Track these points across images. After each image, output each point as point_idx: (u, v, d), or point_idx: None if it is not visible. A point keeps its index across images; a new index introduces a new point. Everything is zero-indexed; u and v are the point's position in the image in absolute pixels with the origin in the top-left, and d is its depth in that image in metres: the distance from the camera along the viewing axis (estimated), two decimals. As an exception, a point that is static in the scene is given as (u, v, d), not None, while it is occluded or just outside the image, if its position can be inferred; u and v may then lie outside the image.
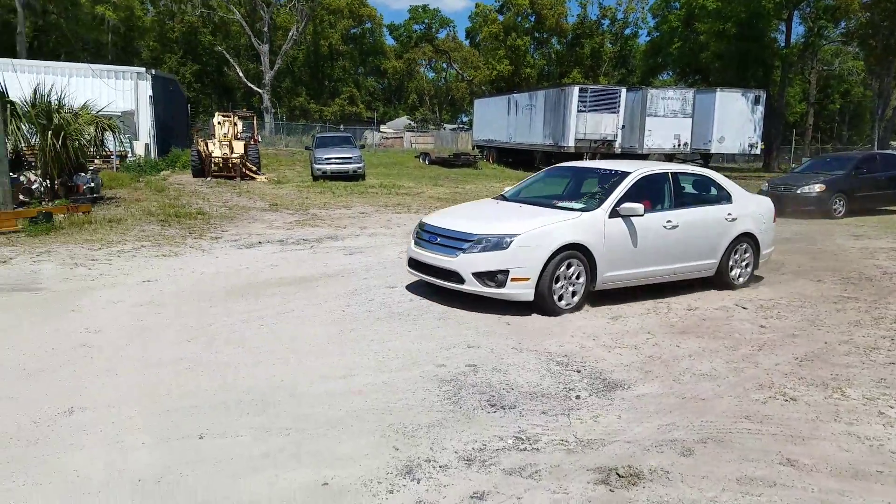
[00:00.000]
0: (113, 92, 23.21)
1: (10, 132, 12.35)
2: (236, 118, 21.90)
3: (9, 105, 12.49)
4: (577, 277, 6.49)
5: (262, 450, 3.66)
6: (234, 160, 20.35)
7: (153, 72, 25.82)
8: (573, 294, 6.50)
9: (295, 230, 11.45)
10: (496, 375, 4.80)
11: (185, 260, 8.62)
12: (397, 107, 66.19)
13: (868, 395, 4.61)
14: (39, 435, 3.72)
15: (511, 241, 6.19)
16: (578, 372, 4.93)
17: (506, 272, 6.16)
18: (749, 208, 7.84)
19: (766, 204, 8.25)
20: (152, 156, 24.39)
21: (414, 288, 7.24)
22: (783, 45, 38.30)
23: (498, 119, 32.27)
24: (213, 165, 20.24)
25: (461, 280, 6.30)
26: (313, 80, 60.56)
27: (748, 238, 7.75)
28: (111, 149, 19.51)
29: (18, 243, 9.31)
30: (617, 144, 25.55)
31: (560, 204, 7.09)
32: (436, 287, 6.82)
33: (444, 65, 65.50)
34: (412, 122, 55.20)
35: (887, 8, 32.52)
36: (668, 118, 26.04)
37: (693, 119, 26.18)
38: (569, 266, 6.38)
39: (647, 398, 4.49)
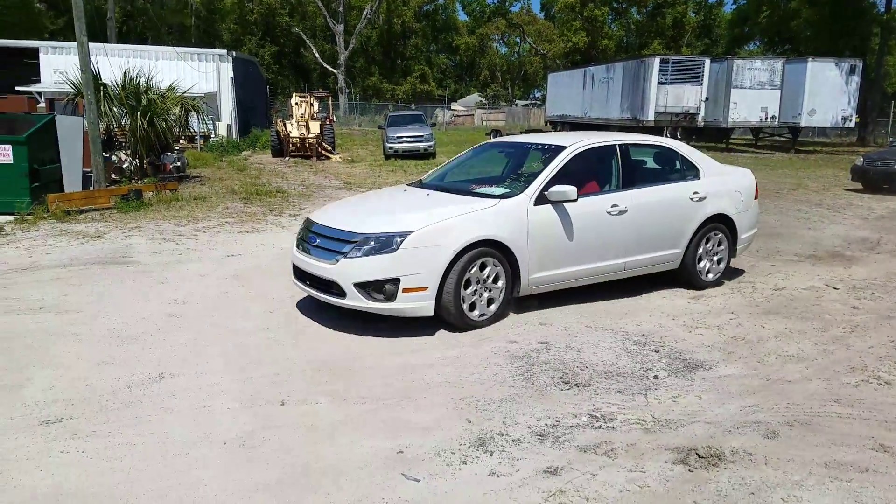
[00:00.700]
0: (196, 74, 24.10)
1: (102, 114, 13.01)
2: (313, 99, 22.36)
3: (102, 87, 13.14)
4: (495, 281, 5.22)
5: (340, 417, 3.76)
6: (311, 140, 20.81)
7: (234, 54, 26.64)
8: (489, 302, 5.23)
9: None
10: (569, 353, 4.74)
11: (266, 236, 8.90)
12: (468, 84, 65.77)
13: (976, 382, 4.28)
14: (133, 398, 3.95)
15: (401, 241, 4.83)
16: (657, 352, 4.80)
17: (395, 281, 4.80)
18: (723, 185, 6.49)
19: (745, 178, 6.85)
20: (234, 136, 25.24)
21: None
22: (882, 10, 35.61)
23: (572, 93, 31.58)
24: (290, 145, 20.77)
25: (342, 293, 4.92)
26: (386, 60, 60.94)
27: (721, 221, 6.42)
28: (195, 129, 20.35)
29: (111, 219, 9.85)
30: (700, 118, 24.56)
31: (478, 190, 5.75)
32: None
33: (518, 39, 64.48)
34: (483, 99, 54.80)
35: None
36: (754, 90, 24.80)
37: (782, 91, 24.83)
38: (482, 267, 5.12)
39: (730, 379, 4.33)
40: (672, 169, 6.53)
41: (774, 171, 17.82)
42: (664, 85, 24.05)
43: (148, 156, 14.07)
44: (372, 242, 4.89)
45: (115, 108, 13.66)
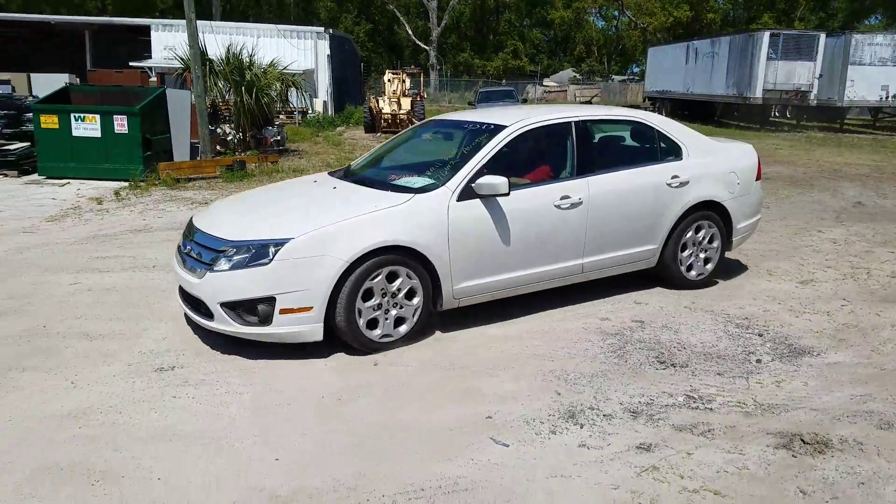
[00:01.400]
0: (295, 51, 24.80)
1: (208, 88, 13.65)
2: (405, 75, 22.57)
3: (208, 62, 13.77)
4: (409, 296, 4.28)
5: (428, 381, 3.82)
6: (402, 116, 21.05)
7: (331, 31, 27.18)
8: (398, 321, 4.27)
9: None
10: (666, 333, 4.60)
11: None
12: (562, 59, 64.31)
13: None
14: (238, 350, 4.16)
15: (276, 252, 3.90)
16: (760, 336, 4.58)
17: (271, 300, 3.91)
18: (712, 166, 5.43)
19: (743, 156, 5.76)
20: (329, 112, 25.88)
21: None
22: None
23: (674, 68, 30.28)
24: (382, 121, 21.09)
25: (209, 314, 4.05)
26: (478, 35, 60.51)
27: (711, 209, 5.40)
28: (294, 105, 21.02)
29: (217, 187, 10.37)
30: (812, 95, 22.97)
31: (397, 181, 4.76)
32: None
33: (616, 13, 62.32)
34: (577, 75, 53.44)
35: None
36: (874, 67, 22.88)
37: (906, 67, 22.79)
38: (391, 278, 4.19)
39: (840, 367, 4.07)
40: (645, 148, 5.44)
41: (895, 154, 16.46)
42: (774, 60, 22.61)
43: (250, 129, 14.67)
44: (242, 252, 3.96)
45: (220, 84, 14.29)
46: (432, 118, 6.07)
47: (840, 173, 12.71)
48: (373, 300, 4.12)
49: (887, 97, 23.24)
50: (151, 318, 4.72)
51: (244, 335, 4.03)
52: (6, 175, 10.76)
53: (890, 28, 37.64)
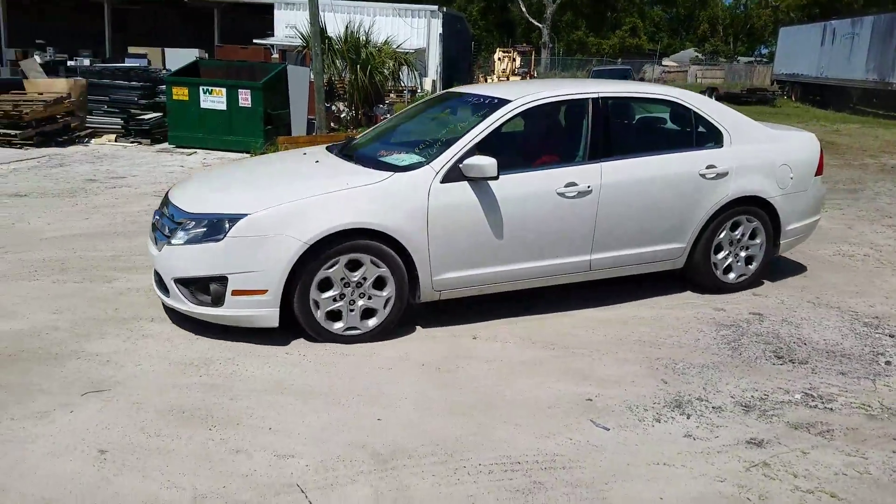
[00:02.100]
0: (409, 30, 25.11)
1: (326, 66, 14.10)
2: (515, 53, 22.37)
3: (327, 40, 14.21)
4: (378, 286, 3.86)
5: (528, 358, 3.81)
6: (511, 94, 20.84)
7: (444, 10, 27.29)
8: (366, 313, 3.88)
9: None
10: (785, 327, 4.33)
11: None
12: (684, 38, 61.32)
13: None
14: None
15: (231, 227, 3.63)
16: (891, 336, 4.22)
17: (223, 280, 3.65)
18: (761, 157, 4.73)
19: (801, 147, 5.03)
20: (438, 91, 26.10)
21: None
22: None
23: (807, 50, 28.14)
24: (491, 99, 20.97)
25: (165, 289, 3.88)
26: (594, 13, 58.68)
27: (754, 206, 4.72)
28: (404, 83, 21.34)
29: (330, 161, 10.74)
30: (967, 81, 20.71)
31: (385, 158, 4.33)
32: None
33: (745, -10, 58.60)
34: (699, 55, 50.80)
35: None
36: None
37: None
38: (354, 267, 3.78)
39: None
40: (677, 132, 4.86)
41: None
42: (924, 42, 20.53)
43: (363, 107, 15.05)
44: (199, 226, 3.72)
45: (337, 62, 14.73)
46: (447, 90, 5.53)
47: None
48: (332, 291, 3.76)
49: None
50: (267, 280, 4.96)
51: (196, 315, 3.81)
52: (140, 143, 11.62)
53: None
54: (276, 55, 21.53)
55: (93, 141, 11.59)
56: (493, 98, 4.41)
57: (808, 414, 3.26)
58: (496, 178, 3.90)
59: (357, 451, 2.84)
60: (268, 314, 3.70)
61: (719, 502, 2.58)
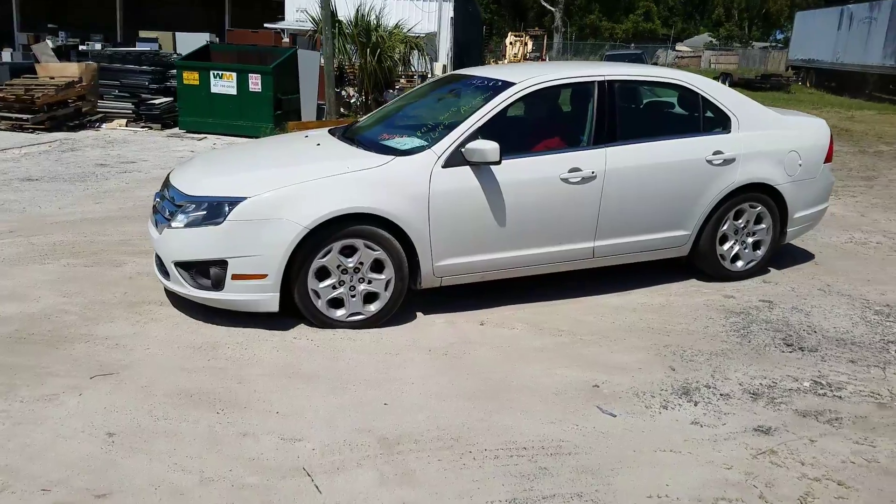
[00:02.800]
0: (420, 13, 24.90)
1: (337, 50, 14.03)
2: (527, 38, 22.17)
3: (338, 24, 14.13)
4: (377, 269, 3.84)
5: (536, 344, 3.80)
6: (523, 79, 20.69)
7: (456, -7, 27.07)
8: (368, 297, 3.87)
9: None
10: (795, 315, 4.29)
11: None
12: (698, 23, 60.57)
13: None
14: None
15: (231, 210, 3.60)
16: (902, 324, 4.18)
17: (222, 264, 3.64)
18: (770, 143, 4.64)
19: (810, 133, 4.94)
20: (449, 75, 25.93)
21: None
22: None
23: (824, 35, 27.74)
24: (502, 84, 20.83)
25: (166, 273, 3.88)
26: (608, -3, 58.12)
27: (762, 192, 4.65)
28: (415, 68, 21.22)
29: (340, 146, 10.72)
30: None
31: (387, 142, 4.30)
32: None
33: (762, -26, 57.70)
34: (714, 40, 50.22)
35: None
36: None
37: None
38: (349, 253, 3.75)
39: None
40: (685, 117, 4.74)
41: None
42: (944, 26, 20.16)
43: (372, 92, 14.98)
44: (199, 209, 3.69)
45: (348, 46, 14.64)
46: (452, 73, 5.52)
47: None
48: (330, 280, 3.75)
49: None
50: (275, 265, 4.97)
51: (196, 298, 3.79)
52: (150, 128, 11.65)
53: None
54: (286, 39, 21.45)
55: (104, 125, 11.63)
56: (498, 81, 4.31)
57: (817, 402, 3.23)
58: (498, 162, 3.84)
59: (363, 435, 2.85)
60: (268, 299, 3.69)
61: (726, 489, 2.57)
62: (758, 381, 3.43)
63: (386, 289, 3.86)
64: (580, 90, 4.44)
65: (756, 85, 26.46)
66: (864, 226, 6.51)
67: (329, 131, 4.88)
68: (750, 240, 4.81)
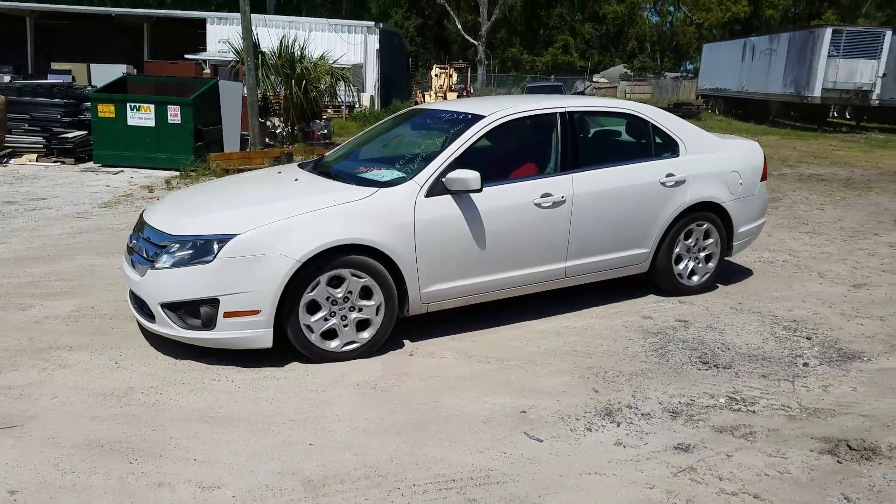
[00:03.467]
0: (345, 45, 25.02)
1: (260, 80, 13.89)
2: (452, 70, 22.60)
3: (260, 55, 14.01)
4: (365, 297, 3.88)
5: (465, 372, 3.81)
6: (449, 109, 21.00)
7: (381, 26, 27.34)
8: (360, 325, 3.92)
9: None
10: (710, 333, 4.48)
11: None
12: (614, 55, 63.31)
13: None
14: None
15: (220, 248, 3.58)
16: (808, 339, 4.42)
17: (214, 302, 3.60)
18: (713, 164, 5.05)
19: (746, 153, 5.38)
20: (376, 107, 26.05)
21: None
22: None
23: (729, 66, 29.49)
24: (429, 115, 21.06)
25: (151, 315, 3.78)
26: (528, 30, 59.97)
27: (710, 211, 5.04)
28: (342, 99, 21.22)
29: (265, 178, 10.55)
30: (874, 96, 22.07)
31: (365, 174, 4.44)
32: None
33: (671, 8, 60.99)
34: (629, 71, 52.58)
35: None
36: (943, 65, 21.84)
37: (982, 66, 21.66)
38: (336, 284, 3.77)
39: (892, 373, 3.90)
40: (638, 143, 5.08)
41: (964, 156, 15.68)
42: (835, 58, 21.79)
43: (298, 122, 14.88)
44: (185, 249, 3.65)
45: (271, 77, 14.52)
46: (416, 107, 5.73)
47: (902, 175, 12.17)
48: (322, 312, 3.77)
49: (956, 97, 22.15)
50: (196, 303, 4.81)
51: (186, 339, 3.73)
52: (63, 162, 11.16)
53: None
54: (207, 70, 21.08)
55: (12, 161, 11.06)
56: (468, 114, 4.52)
57: (732, 417, 3.37)
58: (479, 190, 4.00)
59: (287, 479, 2.76)
60: (261, 335, 3.67)
61: (648, 509, 2.63)
62: (676, 399, 3.55)
63: (377, 314, 3.91)
64: (545, 121, 4.66)
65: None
66: (771, 245, 6.89)
67: (299, 165, 5.00)
68: (702, 254, 5.17)
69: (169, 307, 3.67)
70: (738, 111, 28.35)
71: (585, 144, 4.79)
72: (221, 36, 23.92)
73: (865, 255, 6.55)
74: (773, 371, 3.93)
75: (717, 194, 5.03)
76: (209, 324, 3.64)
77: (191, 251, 3.63)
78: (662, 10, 62.77)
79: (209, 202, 4.28)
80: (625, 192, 4.67)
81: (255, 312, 3.61)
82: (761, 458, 2.99)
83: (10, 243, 6.18)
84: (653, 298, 5.11)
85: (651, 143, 4.99)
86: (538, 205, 4.35)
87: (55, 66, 21.16)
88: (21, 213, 7.43)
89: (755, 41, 27.63)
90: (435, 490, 2.71)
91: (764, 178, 5.43)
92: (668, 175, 4.84)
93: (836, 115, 26.64)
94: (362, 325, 3.92)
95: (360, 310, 3.87)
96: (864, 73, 21.89)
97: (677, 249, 5.01)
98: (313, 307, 3.76)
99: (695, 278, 5.18)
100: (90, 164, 11.12)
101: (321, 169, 4.70)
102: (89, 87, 14.58)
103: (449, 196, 4.06)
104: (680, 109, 28.21)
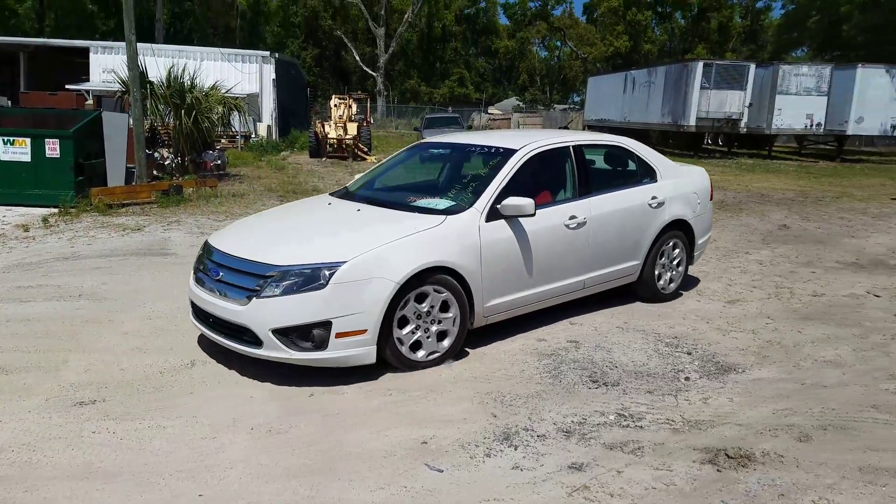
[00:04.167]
0: (240, 74, 24.51)
1: (148, 111, 13.35)
2: (351, 101, 22.58)
3: (148, 85, 13.49)
4: (444, 310, 4.37)
5: (365, 407, 3.78)
6: (348, 141, 20.99)
7: (276, 56, 27.02)
8: (441, 336, 4.40)
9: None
10: (599, 353, 4.68)
11: (299, 231, 8.99)
12: (507, 87, 65.65)
13: None
14: (164, 383, 4.03)
15: (331, 275, 3.93)
16: (689, 354, 4.71)
17: (326, 325, 3.93)
18: (680, 188, 5.95)
19: (701, 179, 6.35)
20: (274, 137, 25.61)
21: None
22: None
23: (612, 98, 31.28)
24: (328, 146, 20.97)
25: (257, 341, 4.00)
26: (425, 63, 61.27)
27: (679, 227, 5.92)
28: (237, 129, 20.73)
29: (151, 213, 10.10)
30: (742, 124, 24.05)
31: (417, 203, 4.87)
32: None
33: (559, 43, 64.12)
34: (521, 103, 54.64)
35: None
36: (800, 96, 24.14)
37: (829, 98, 24.11)
38: (420, 299, 4.26)
39: (763, 383, 4.22)
40: (628, 171, 5.88)
41: (818, 180, 17.35)
42: (707, 90, 23.64)
43: (190, 153, 14.38)
44: (293, 277, 3.95)
45: (160, 106, 13.99)
46: (424, 140, 6.35)
47: (767, 198, 13.30)
48: (410, 326, 4.23)
49: (812, 125, 24.52)
50: (75, 350, 4.52)
51: (297, 361, 4.02)
52: (-75, 201, 10.21)
53: (815, 60, 39.85)
54: (90, 101, 20.03)
55: None
56: (500, 147, 5.15)
57: (622, 434, 3.52)
58: (534, 214, 4.64)
59: (175, 530, 2.63)
60: (366, 352, 4.06)
61: (544, 531, 2.69)
62: (570, 418, 3.67)
63: (454, 324, 4.41)
64: (562, 153, 5.33)
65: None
66: (654, 266, 7.29)
67: (330, 195, 5.57)
68: (675, 262, 6.00)
69: (280, 332, 3.94)
70: (624, 140, 30.02)
71: (593, 173, 5.55)
72: (106, 66, 22.86)
73: (738, 273, 7.08)
74: (657, 386, 4.15)
75: (685, 212, 5.94)
76: (321, 345, 3.97)
77: (300, 279, 3.95)
78: (550, 45, 65.96)
79: (291, 231, 4.66)
80: (626, 213, 5.47)
81: (363, 332, 4.00)
82: (649, 472, 3.14)
83: None
84: (546, 321, 5.28)
85: (637, 171, 5.85)
86: (567, 226, 5.04)
87: (-86, 96, 19.44)
88: None
89: (635, 74, 29.50)
90: (334, 530, 2.66)
91: (711, 197, 6.42)
92: (653, 197, 5.69)
93: (710, 142, 28.82)
94: (441, 335, 4.40)
95: (440, 322, 4.37)
96: (732, 103, 23.85)
97: (661, 260, 5.84)
98: (403, 322, 4.20)
99: (672, 285, 6.00)
100: (-45, 203, 10.23)
101: (365, 199, 5.16)
102: (-47, 120, 13.48)
103: (502, 220, 4.65)
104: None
